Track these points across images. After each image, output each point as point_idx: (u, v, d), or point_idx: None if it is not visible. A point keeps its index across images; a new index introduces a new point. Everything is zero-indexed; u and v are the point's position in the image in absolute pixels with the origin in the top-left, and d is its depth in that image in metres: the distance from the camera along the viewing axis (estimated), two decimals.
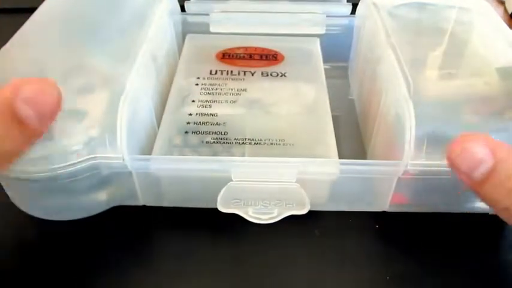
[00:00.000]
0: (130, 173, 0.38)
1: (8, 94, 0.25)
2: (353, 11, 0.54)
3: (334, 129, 0.43)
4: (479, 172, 0.28)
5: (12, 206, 0.41)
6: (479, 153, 0.28)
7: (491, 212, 0.42)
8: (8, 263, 0.39)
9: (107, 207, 0.41)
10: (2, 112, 0.25)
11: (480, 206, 0.41)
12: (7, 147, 0.26)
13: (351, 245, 0.41)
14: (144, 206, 0.42)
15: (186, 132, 0.43)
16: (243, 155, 0.40)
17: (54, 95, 0.27)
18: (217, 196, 0.37)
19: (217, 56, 0.52)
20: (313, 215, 0.38)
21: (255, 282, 0.38)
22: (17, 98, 0.25)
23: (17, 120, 0.26)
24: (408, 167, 0.37)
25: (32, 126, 0.26)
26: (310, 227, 0.41)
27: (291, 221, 0.37)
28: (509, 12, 0.72)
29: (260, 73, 0.49)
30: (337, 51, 0.56)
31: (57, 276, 0.38)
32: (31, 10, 0.47)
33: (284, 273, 0.38)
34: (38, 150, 0.33)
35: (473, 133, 0.30)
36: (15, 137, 0.26)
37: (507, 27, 0.46)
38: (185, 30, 0.56)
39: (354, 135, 0.50)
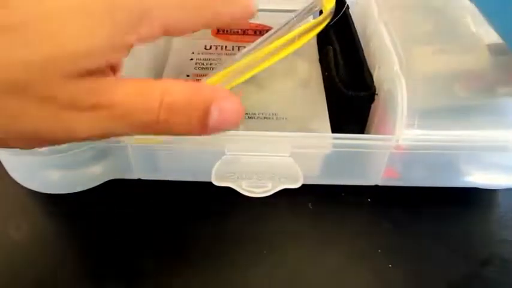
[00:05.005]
0: (125, 146, 0.39)
1: (210, 93, 0.27)
2: None
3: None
4: None
5: (10, 179, 0.41)
6: None
7: (481, 186, 0.42)
8: (6, 236, 0.39)
9: (103, 181, 0.42)
10: (201, 101, 0.26)
11: (469, 180, 0.42)
12: (178, 123, 0.27)
13: (343, 218, 0.41)
14: (139, 180, 0.43)
15: None
16: (237, 129, 0.41)
17: (238, 119, 0.28)
18: (211, 170, 0.37)
19: (212, 31, 0.52)
20: (306, 189, 0.38)
21: (248, 255, 0.39)
22: (216, 103, 0.26)
23: (205, 112, 0.27)
24: (400, 142, 0.37)
25: (206, 124, 0.27)
26: (303, 200, 0.42)
27: (284, 194, 0.37)
28: None
29: None
30: None
31: (54, 249, 0.39)
32: None
33: (277, 246, 0.39)
34: None
35: None
36: (192, 121, 0.27)
37: None
38: None
39: None
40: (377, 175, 0.41)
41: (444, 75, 0.40)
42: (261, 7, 0.54)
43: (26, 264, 0.37)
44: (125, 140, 0.37)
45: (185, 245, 0.39)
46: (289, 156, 0.38)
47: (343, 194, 0.43)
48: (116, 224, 0.40)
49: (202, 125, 0.27)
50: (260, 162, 0.38)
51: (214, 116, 0.27)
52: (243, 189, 0.37)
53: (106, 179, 0.42)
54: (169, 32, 0.27)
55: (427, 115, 0.37)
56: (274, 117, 0.41)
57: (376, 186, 0.43)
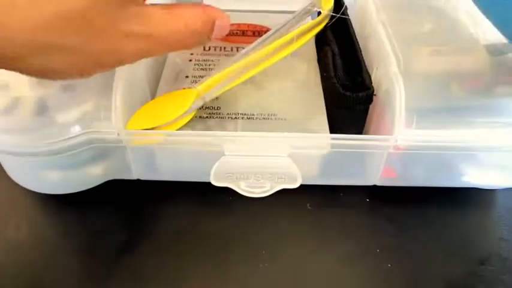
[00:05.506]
0: (124, 147, 0.39)
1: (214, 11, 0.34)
2: None
3: None
4: None
5: (10, 179, 0.42)
6: None
7: (479, 186, 0.43)
8: (5, 236, 0.40)
9: (102, 181, 0.42)
10: (205, 22, 0.33)
11: (467, 180, 0.42)
12: (200, 39, 0.34)
13: (342, 218, 0.41)
14: (138, 180, 0.43)
15: None
16: (236, 130, 0.41)
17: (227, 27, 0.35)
18: (210, 170, 0.37)
19: None
20: (304, 189, 0.39)
21: (247, 255, 0.39)
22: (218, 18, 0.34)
23: (212, 25, 0.33)
24: (398, 142, 0.37)
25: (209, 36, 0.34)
26: (301, 200, 0.42)
27: (283, 194, 0.37)
28: None
29: None
30: None
31: (53, 249, 0.39)
32: None
33: (276, 246, 0.39)
34: (35, 126, 0.34)
35: None
36: (205, 32, 0.33)
37: None
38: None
39: None
40: (375, 175, 0.42)
41: (442, 76, 0.40)
42: (259, 8, 0.54)
43: (26, 265, 0.38)
44: (124, 141, 0.38)
45: (184, 245, 0.39)
46: (287, 157, 0.38)
47: (341, 194, 0.43)
48: (116, 224, 0.40)
49: (209, 34, 0.34)
50: (259, 162, 0.38)
51: (216, 30, 0.34)
52: (241, 189, 0.37)
53: (105, 180, 0.42)
54: None
55: (425, 115, 0.37)
56: (273, 118, 0.42)
57: (375, 186, 0.43)
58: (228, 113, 0.42)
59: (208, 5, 0.34)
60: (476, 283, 0.37)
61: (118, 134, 0.37)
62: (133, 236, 0.39)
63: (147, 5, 0.30)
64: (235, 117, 0.42)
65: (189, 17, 0.32)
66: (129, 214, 0.41)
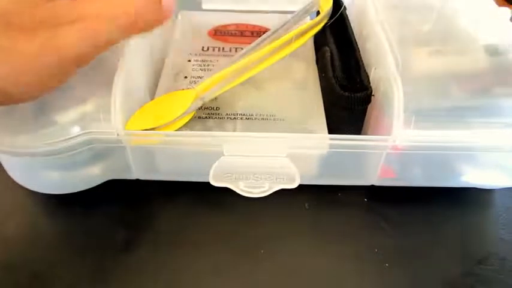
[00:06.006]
0: (124, 147, 0.39)
1: None
2: None
3: None
4: None
5: (9, 179, 0.42)
6: None
7: (478, 186, 0.43)
8: (5, 236, 0.40)
9: (102, 181, 0.42)
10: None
11: (466, 180, 0.42)
12: (148, 18, 0.32)
13: (340, 218, 0.42)
14: (137, 180, 0.43)
15: None
16: (235, 130, 0.41)
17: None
18: (209, 170, 0.37)
19: (209, 33, 0.53)
20: (303, 189, 0.39)
21: (245, 255, 0.39)
22: None
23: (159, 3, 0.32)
24: (396, 142, 0.37)
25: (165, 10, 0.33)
26: (300, 200, 0.42)
27: (281, 194, 0.37)
28: None
29: None
30: None
31: (53, 249, 0.39)
32: None
33: (274, 245, 0.39)
34: (34, 126, 0.34)
35: None
36: (155, 11, 0.32)
37: (494, 5, 0.47)
38: (177, 7, 0.56)
39: None
40: (373, 175, 0.42)
41: (440, 76, 0.40)
42: (258, 8, 0.54)
43: (26, 264, 0.38)
44: (124, 141, 0.38)
45: (183, 244, 0.39)
46: (286, 157, 0.38)
47: (339, 194, 0.43)
48: (115, 224, 0.40)
49: (160, 12, 0.32)
50: (257, 162, 0.38)
51: (165, 5, 0.32)
52: (240, 189, 0.37)
53: (105, 179, 0.42)
54: None
55: (424, 115, 0.37)
56: (272, 119, 0.42)
57: (373, 186, 0.43)
58: (227, 114, 0.42)
59: None
60: (474, 282, 0.37)
61: (117, 134, 0.37)
62: (132, 236, 0.40)
63: None
64: (234, 118, 0.42)
65: None
66: (128, 214, 0.41)
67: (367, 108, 0.42)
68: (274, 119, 0.42)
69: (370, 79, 0.41)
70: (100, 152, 0.39)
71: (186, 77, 0.46)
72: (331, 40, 0.46)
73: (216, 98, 0.43)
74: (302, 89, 0.45)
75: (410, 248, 0.40)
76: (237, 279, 0.37)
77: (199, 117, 0.42)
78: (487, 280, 0.38)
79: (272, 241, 0.39)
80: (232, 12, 0.55)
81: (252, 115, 0.42)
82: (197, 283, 0.37)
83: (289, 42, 0.42)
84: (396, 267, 0.38)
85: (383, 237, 0.40)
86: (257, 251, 0.39)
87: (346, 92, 0.39)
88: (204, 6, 0.54)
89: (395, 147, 0.38)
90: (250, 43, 0.42)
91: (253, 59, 0.40)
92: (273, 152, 0.38)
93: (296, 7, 0.46)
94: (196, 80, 0.45)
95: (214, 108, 0.43)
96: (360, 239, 0.40)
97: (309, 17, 0.48)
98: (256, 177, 0.38)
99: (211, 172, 0.37)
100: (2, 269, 0.37)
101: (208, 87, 0.40)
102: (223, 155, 0.38)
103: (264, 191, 0.37)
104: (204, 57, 0.49)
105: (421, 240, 0.40)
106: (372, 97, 0.40)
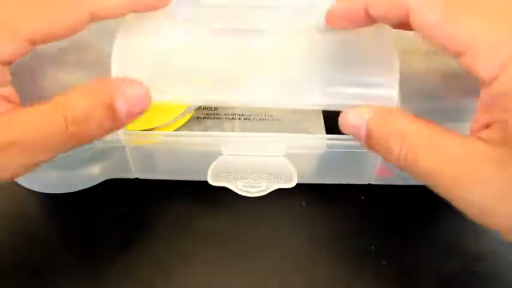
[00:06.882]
0: (123, 147, 0.39)
1: (110, 89, 0.29)
2: None
3: None
4: (362, 135, 0.31)
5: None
6: (353, 121, 0.31)
7: None
8: (4, 236, 0.40)
9: (101, 180, 0.42)
10: (102, 101, 0.28)
11: None
12: (93, 129, 0.29)
13: (337, 216, 0.42)
14: (136, 179, 0.43)
15: None
16: (233, 130, 0.41)
17: (147, 102, 0.30)
18: (207, 169, 0.38)
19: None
20: (300, 187, 0.39)
21: (244, 254, 0.39)
22: (118, 96, 0.28)
23: (111, 110, 0.28)
24: None
25: (119, 118, 0.29)
26: (297, 199, 0.42)
27: (279, 192, 0.37)
28: None
29: None
30: None
31: (52, 248, 0.39)
32: None
33: (272, 244, 0.40)
34: None
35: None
36: (103, 122, 0.29)
37: None
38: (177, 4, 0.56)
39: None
40: (370, 174, 0.42)
41: (437, 76, 0.40)
42: (254, 4, 0.54)
43: (25, 264, 0.38)
44: (123, 141, 0.38)
45: (182, 243, 0.39)
46: (283, 157, 0.38)
47: (337, 193, 0.43)
48: (114, 223, 0.41)
49: (114, 121, 0.29)
50: (256, 162, 0.38)
51: (123, 109, 0.28)
52: (239, 189, 0.37)
53: (104, 179, 0.42)
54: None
55: (421, 115, 0.37)
56: (270, 119, 0.42)
57: (370, 184, 0.43)
58: (225, 114, 0.42)
59: (103, 78, 0.30)
60: (470, 279, 0.38)
61: (117, 134, 0.37)
62: (131, 235, 0.40)
63: (7, 113, 0.28)
64: (233, 118, 0.42)
65: (68, 103, 0.28)
66: (127, 213, 0.41)
67: None
68: (272, 119, 0.42)
69: None
70: (99, 151, 0.39)
71: None
72: None
73: None
74: None
75: (407, 245, 0.40)
76: (236, 278, 0.38)
77: (197, 118, 0.42)
78: (482, 277, 0.38)
79: (270, 239, 0.40)
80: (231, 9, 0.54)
81: (250, 115, 0.42)
82: (195, 282, 0.37)
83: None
84: (393, 264, 0.39)
85: (379, 235, 0.41)
86: (256, 249, 0.39)
87: None
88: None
89: None
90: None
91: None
92: (271, 151, 0.38)
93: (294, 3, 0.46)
94: None
95: (213, 109, 0.43)
96: (357, 237, 0.40)
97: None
98: (254, 176, 0.38)
99: (210, 172, 0.38)
100: (1, 269, 0.38)
101: None
102: (222, 155, 0.38)
103: (262, 191, 0.37)
104: None
105: (417, 238, 0.40)
106: None
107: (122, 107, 0.28)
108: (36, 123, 0.27)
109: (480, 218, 0.28)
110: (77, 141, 0.29)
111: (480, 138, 0.28)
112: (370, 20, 0.31)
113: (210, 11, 0.35)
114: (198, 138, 0.39)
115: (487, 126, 0.28)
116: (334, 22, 0.33)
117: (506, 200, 0.26)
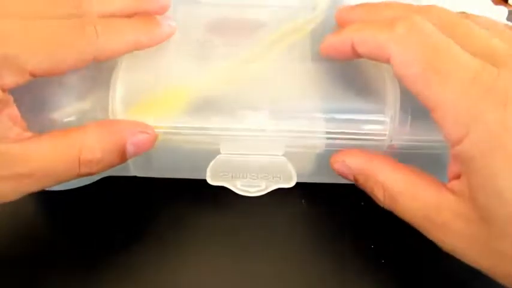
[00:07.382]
0: None
1: (123, 135, 0.33)
2: None
3: None
4: (351, 179, 0.36)
5: None
6: (339, 169, 0.36)
7: None
8: (3, 235, 0.40)
9: (99, 178, 0.42)
10: (116, 148, 0.32)
11: None
12: (101, 169, 0.32)
13: (337, 215, 0.42)
14: (134, 177, 0.43)
15: None
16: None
17: (153, 143, 0.35)
18: (206, 168, 0.38)
19: (206, 27, 0.52)
20: (300, 186, 0.39)
21: (243, 253, 0.39)
22: (130, 142, 0.33)
23: (122, 153, 0.33)
24: (393, 141, 0.38)
25: (126, 158, 0.33)
26: (297, 198, 0.43)
27: (278, 192, 0.37)
28: None
29: None
30: None
31: (52, 247, 0.39)
32: None
33: (271, 243, 0.40)
34: (32, 125, 0.34)
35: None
36: (112, 164, 0.33)
37: (491, 3, 0.47)
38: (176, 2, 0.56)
39: None
40: None
41: None
42: (254, 3, 0.54)
43: (24, 263, 0.38)
44: None
45: (181, 242, 0.39)
46: (282, 156, 0.38)
47: (336, 191, 0.43)
48: (113, 221, 0.41)
49: (121, 160, 0.33)
50: (254, 161, 0.38)
51: (131, 151, 0.33)
52: (238, 188, 0.37)
53: (102, 176, 0.42)
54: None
55: (420, 115, 0.37)
56: None
57: None
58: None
59: (118, 121, 0.34)
60: (470, 279, 0.38)
61: None
62: (129, 234, 0.40)
63: (23, 142, 0.30)
64: None
65: (85, 146, 0.31)
66: (125, 211, 0.41)
67: None
68: None
69: None
70: None
71: None
72: None
73: None
74: None
75: (407, 243, 0.40)
76: (236, 277, 0.38)
77: None
78: (482, 277, 0.38)
79: (269, 238, 0.40)
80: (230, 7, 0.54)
81: None
82: (194, 279, 0.37)
83: (284, 37, 0.42)
84: (392, 263, 0.39)
85: (379, 233, 0.41)
86: (255, 248, 0.39)
87: None
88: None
89: (392, 147, 0.38)
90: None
91: (250, 56, 0.40)
92: (270, 151, 0.38)
93: (292, 2, 0.46)
94: None
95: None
96: (357, 235, 0.41)
97: (304, 13, 0.48)
98: (253, 176, 0.38)
99: (208, 171, 0.38)
100: (2, 269, 0.38)
101: None
102: (220, 154, 0.38)
103: (261, 190, 0.37)
104: None
105: (416, 236, 0.40)
106: None
107: (131, 150, 0.33)
108: (52, 158, 0.30)
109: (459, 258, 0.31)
110: (83, 176, 0.32)
111: (451, 190, 0.31)
112: (358, 55, 0.34)
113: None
114: (197, 137, 0.38)
115: (458, 176, 0.31)
116: (327, 53, 0.36)
117: (479, 252, 0.30)
